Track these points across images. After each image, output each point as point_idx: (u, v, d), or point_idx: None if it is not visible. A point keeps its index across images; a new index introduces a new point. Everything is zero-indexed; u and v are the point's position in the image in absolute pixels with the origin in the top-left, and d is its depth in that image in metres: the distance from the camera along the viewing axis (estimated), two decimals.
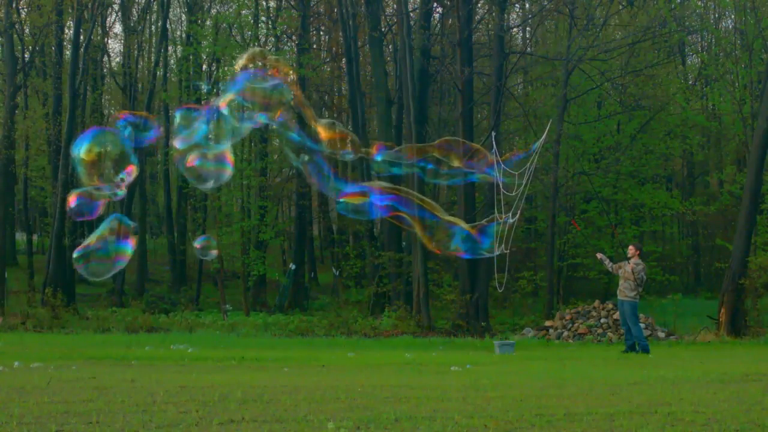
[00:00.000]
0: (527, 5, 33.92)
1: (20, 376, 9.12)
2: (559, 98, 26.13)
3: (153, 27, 39.71)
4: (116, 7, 37.06)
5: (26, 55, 32.85)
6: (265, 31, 35.43)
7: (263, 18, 35.06)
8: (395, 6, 30.14)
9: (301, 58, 31.65)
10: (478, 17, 27.55)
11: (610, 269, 15.63)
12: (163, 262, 38.53)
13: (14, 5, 30.73)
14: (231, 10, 35.34)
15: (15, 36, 30.93)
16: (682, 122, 32.00)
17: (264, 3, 35.23)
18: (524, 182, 5.68)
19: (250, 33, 33.86)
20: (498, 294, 26.57)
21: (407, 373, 10.50)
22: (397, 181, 17.12)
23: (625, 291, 15.12)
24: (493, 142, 6.48)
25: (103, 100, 40.61)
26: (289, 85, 6.73)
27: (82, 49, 29.61)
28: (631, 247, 15.76)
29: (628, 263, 15.11)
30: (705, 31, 35.38)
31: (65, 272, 28.14)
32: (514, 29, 33.28)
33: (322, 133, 6.66)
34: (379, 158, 6.60)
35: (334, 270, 32.25)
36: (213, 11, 36.58)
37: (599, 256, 15.87)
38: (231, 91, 6.42)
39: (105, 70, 39.38)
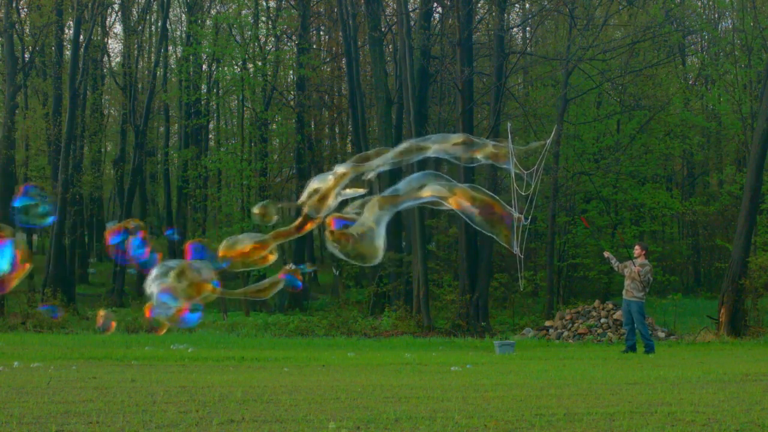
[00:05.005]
0: (527, 5, 33.93)
1: (20, 376, 9.12)
2: (559, 98, 26.14)
3: (153, 27, 39.72)
4: (116, 7, 37.07)
5: (26, 55, 32.83)
6: (265, 31, 35.44)
7: (263, 18, 35.08)
8: (395, 6, 30.12)
9: (301, 58, 31.66)
10: (478, 17, 27.54)
11: (615, 268, 15.51)
12: None
13: (14, 5, 30.73)
14: (231, 10, 35.35)
15: (15, 36, 30.93)
16: (681, 122, 32.01)
17: (264, 3, 35.26)
18: (534, 182, 5.64)
19: (250, 33, 33.87)
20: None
21: (407, 373, 10.50)
22: None
23: (632, 291, 15.02)
24: (509, 134, 6.46)
25: (103, 100, 40.61)
26: None
27: (82, 49, 29.61)
28: (637, 247, 15.63)
29: (634, 264, 15.01)
30: (705, 32, 35.38)
31: (65, 272, 28.11)
32: (514, 29, 33.29)
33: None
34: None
35: (334, 270, 32.23)
36: (213, 11, 36.59)
37: (606, 254, 15.76)
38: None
39: (105, 70, 39.39)
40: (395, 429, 5.66)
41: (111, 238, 5.32)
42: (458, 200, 5.60)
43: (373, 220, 5.32)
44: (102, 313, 6.69)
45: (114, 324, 6.98)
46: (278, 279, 5.45)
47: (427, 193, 5.57)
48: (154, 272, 5.01)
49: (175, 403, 6.73)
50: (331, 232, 5.26)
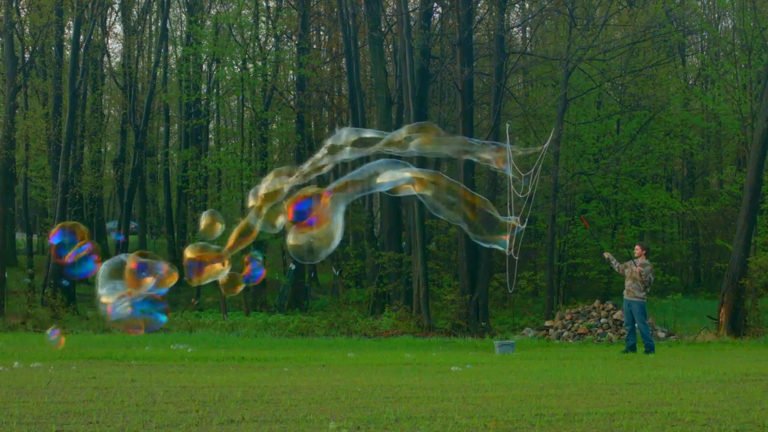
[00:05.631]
0: (527, 5, 33.92)
1: (20, 376, 9.12)
2: (559, 98, 26.14)
3: (153, 27, 39.72)
4: (116, 7, 37.07)
5: (26, 55, 32.83)
6: (265, 31, 35.44)
7: (263, 18, 35.07)
8: (395, 6, 30.13)
9: (301, 58, 31.65)
10: (478, 17, 27.54)
11: (616, 269, 15.47)
12: None
13: (14, 5, 30.72)
14: (231, 10, 35.35)
15: (15, 36, 30.92)
16: (681, 122, 32.02)
17: (264, 3, 35.25)
18: (531, 186, 5.64)
19: (250, 33, 33.86)
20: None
21: (407, 373, 10.49)
22: None
23: (633, 291, 14.99)
24: (507, 134, 6.46)
25: (103, 100, 40.61)
26: None
27: (82, 49, 29.61)
28: (637, 247, 15.58)
29: (635, 264, 14.98)
30: (705, 32, 35.39)
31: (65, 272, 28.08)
32: (514, 29, 33.29)
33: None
34: None
35: (334, 270, 32.24)
36: (213, 11, 36.60)
37: (606, 255, 15.73)
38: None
39: (105, 70, 39.38)
40: (395, 429, 5.66)
41: (53, 237, 5.28)
42: (417, 185, 5.61)
43: (330, 207, 5.35)
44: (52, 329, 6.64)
45: (62, 340, 6.88)
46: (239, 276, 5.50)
47: (385, 179, 5.57)
48: (101, 273, 5.01)
49: (175, 403, 6.74)
50: (291, 222, 5.28)
